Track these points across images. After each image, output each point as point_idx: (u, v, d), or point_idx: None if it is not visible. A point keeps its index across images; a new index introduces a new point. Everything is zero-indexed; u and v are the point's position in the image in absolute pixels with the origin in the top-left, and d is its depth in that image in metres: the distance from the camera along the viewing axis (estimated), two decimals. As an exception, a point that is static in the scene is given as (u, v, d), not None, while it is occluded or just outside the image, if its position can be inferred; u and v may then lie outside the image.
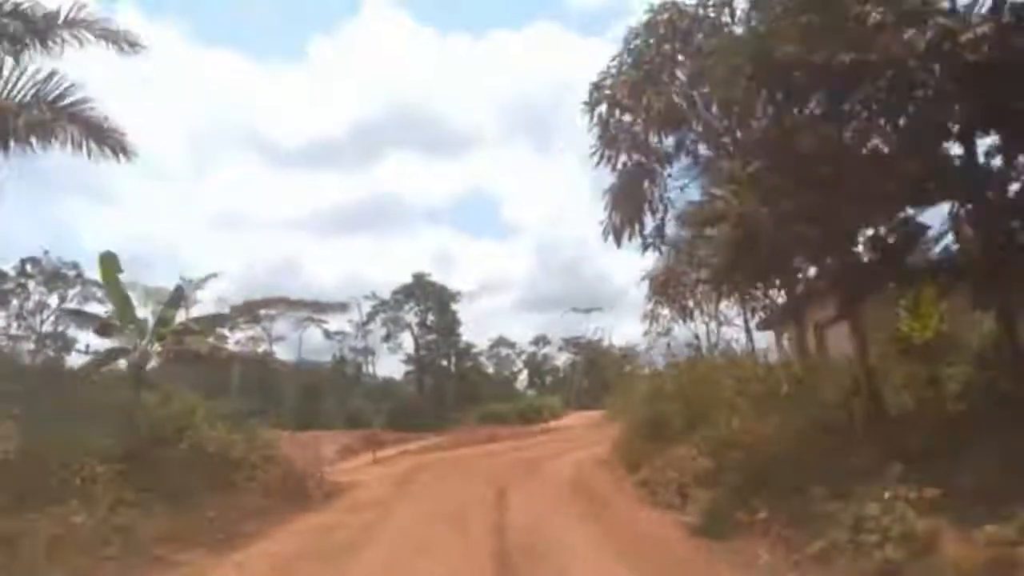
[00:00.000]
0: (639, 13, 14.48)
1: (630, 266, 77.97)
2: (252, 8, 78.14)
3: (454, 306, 51.56)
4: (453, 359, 53.28)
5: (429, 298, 50.65)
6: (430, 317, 51.25)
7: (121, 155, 11.84)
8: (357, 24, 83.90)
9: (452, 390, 50.88)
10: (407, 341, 51.51)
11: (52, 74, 11.11)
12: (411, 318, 51.14)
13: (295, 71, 79.33)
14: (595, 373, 62.07)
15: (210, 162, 71.60)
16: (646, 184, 14.72)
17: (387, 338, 50.60)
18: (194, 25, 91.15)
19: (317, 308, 49.29)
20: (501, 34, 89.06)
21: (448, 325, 51.56)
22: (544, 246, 77.82)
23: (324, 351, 51.80)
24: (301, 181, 77.38)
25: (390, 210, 74.31)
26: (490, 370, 63.54)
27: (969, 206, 8.77)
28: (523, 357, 67.69)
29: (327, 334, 50.76)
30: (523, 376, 68.28)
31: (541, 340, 67.43)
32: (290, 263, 74.97)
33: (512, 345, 68.00)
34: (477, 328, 79.34)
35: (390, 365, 70.91)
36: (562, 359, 68.16)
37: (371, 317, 49.75)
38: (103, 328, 14.60)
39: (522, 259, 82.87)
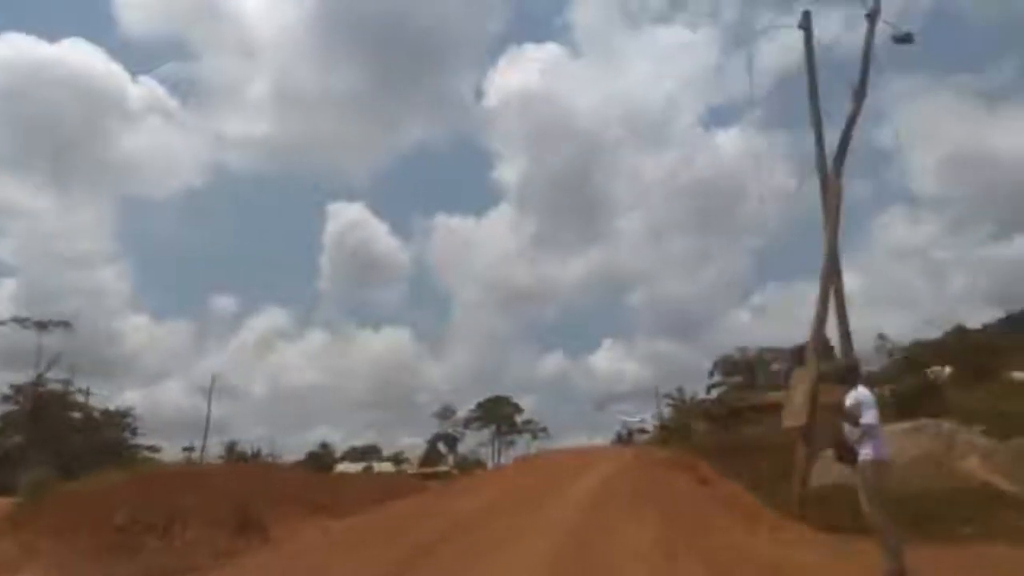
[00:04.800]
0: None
1: (154, 332, 66.99)
2: None
3: None
4: None
5: None
6: None
7: None
8: None
9: None
10: None
11: None
12: None
13: None
14: (42, 431, 40.94)
15: None
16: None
17: None
18: None
19: None
20: (29, 42, 74.26)
21: None
22: (38, 293, 63.20)
23: None
24: None
25: None
26: None
27: None
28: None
29: None
30: None
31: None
32: None
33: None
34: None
35: None
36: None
37: None
38: None
39: (5, 304, 64.59)
